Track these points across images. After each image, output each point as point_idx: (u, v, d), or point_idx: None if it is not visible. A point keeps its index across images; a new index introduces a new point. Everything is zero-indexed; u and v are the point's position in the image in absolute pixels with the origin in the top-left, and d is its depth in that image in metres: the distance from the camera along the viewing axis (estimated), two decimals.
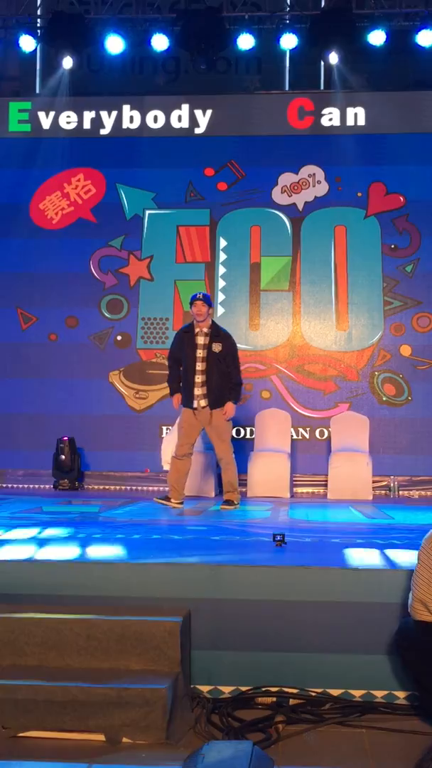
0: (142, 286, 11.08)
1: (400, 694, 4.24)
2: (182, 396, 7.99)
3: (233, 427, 10.49)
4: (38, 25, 10.64)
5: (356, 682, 4.27)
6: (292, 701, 4.18)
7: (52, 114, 11.27)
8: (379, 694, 4.24)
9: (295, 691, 4.22)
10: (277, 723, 3.95)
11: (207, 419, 7.89)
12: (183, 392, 7.98)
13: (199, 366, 7.88)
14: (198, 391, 7.85)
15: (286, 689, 4.23)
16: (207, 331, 7.93)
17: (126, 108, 11.24)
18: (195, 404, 7.85)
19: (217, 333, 7.99)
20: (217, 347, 7.88)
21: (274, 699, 4.20)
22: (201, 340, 7.91)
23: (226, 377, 7.89)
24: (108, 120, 11.26)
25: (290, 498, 9.80)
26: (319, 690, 4.25)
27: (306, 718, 4.01)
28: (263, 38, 10.43)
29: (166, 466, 9.27)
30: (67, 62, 10.62)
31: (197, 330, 7.94)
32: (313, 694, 4.23)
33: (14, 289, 11.11)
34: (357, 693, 4.25)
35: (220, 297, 10.99)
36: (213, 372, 7.84)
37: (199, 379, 7.86)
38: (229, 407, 7.90)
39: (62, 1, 10.70)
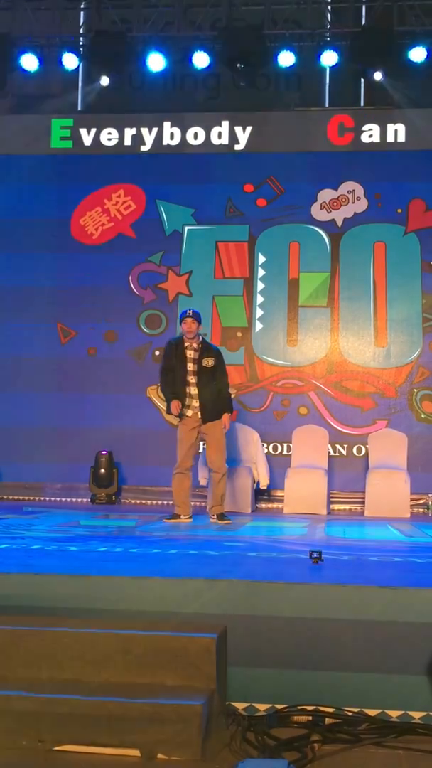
0: (181, 302, 11.13)
1: None
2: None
3: (267, 443, 10.56)
4: (81, 43, 10.78)
5: (394, 702, 4.22)
6: (328, 720, 4.15)
7: (93, 131, 11.40)
8: (417, 714, 4.19)
9: (331, 710, 4.19)
10: (313, 742, 3.91)
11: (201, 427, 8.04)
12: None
13: (191, 378, 7.99)
14: (188, 402, 7.99)
15: (322, 708, 4.19)
16: (197, 346, 8.03)
17: (167, 125, 11.33)
18: (189, 413, 8.00)
19: (208, 348, 8.11)
20: (208, 362, 7.99)
21: (310, 718, 4.17)
22: (191, 354, 8.02)
23: (218, 391, 8.02)
24: (149, 137, 11.36)
25: (327, 515, 9.76)
26: (356, 709, 4.20)
27: (342, 738, 3.97)
28: (304, 55, 10.44)
29: (203, 482, 9.30)
30: (104, 80, 10.76)
31: (187, 344, 8.03)
32: (350, 713, 4.19)
33: (54, 303, 11.22)
34: (394, 713, 4.20)
35: (258, 312, 11.01)
36: (205, 386, 7.96)
37: (192, 390, 7.98)
38: (227, 419, 8.08)
39: (105, 19, 10.83)
